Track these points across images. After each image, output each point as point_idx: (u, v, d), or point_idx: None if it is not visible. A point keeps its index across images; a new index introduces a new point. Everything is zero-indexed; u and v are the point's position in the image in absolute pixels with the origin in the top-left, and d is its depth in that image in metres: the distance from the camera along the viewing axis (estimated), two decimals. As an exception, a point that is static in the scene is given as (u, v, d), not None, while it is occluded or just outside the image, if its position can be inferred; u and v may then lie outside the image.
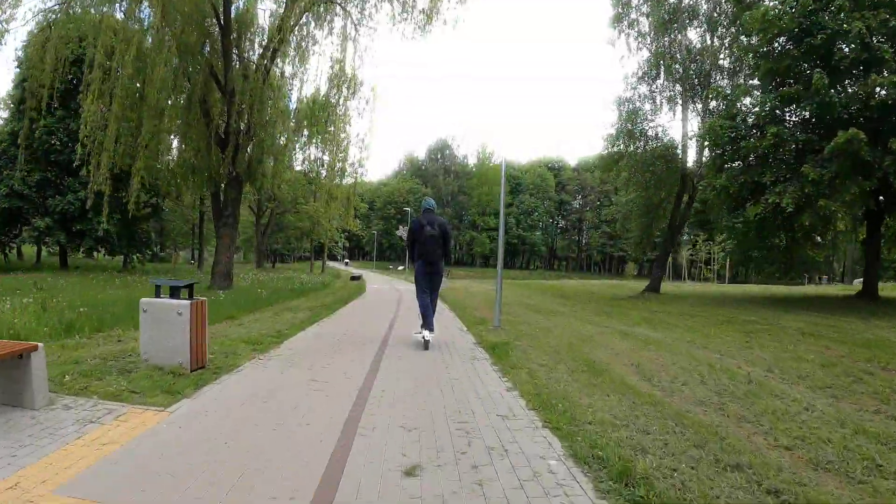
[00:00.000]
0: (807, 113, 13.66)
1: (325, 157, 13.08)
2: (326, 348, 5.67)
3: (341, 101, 12.11)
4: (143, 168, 11.42)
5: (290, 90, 13.80)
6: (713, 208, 14.61)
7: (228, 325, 7.28)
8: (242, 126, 13.21)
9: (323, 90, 12.66)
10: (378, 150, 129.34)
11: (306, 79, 12.87)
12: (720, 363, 6.26)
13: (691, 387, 5.01)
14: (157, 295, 4.58)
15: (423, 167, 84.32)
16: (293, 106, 13.53)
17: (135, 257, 27.92)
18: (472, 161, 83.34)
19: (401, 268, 53.72)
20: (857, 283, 36.72)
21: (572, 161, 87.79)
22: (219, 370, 4.50)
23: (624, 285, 28.30)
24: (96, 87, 10.60)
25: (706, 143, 14.16)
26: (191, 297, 4.60)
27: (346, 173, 13.37)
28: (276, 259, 60.88)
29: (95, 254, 29.36)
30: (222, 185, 14.24)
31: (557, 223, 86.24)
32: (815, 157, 12.42)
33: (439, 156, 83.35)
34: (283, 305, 10.46)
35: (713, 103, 18.15)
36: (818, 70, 12.76)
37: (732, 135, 13.37)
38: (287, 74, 13.66)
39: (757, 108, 13.79)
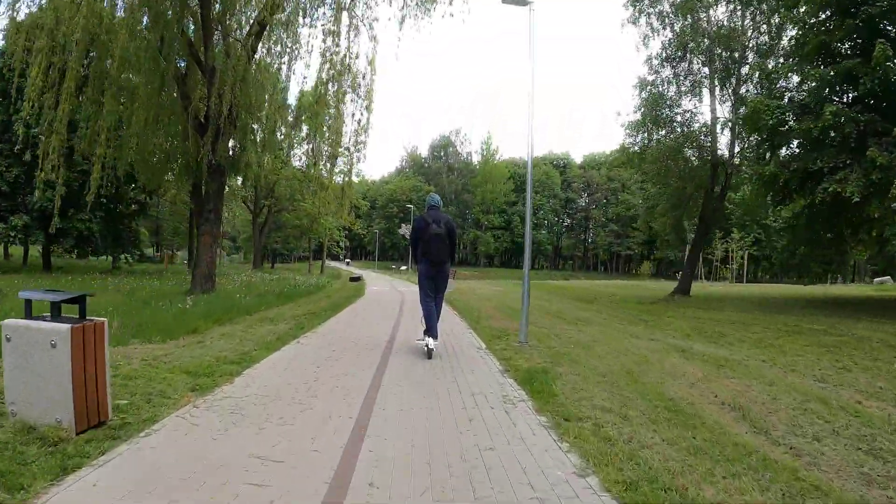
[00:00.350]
0: (856, 91, 12.02)
1: (316, 140, 11.42)
2: (297, 384, 4.08)
3: (334, 77, 10.48)
4: (104, 155, 9.88)
5: (279, 69, 12.22)
6: (756, 200, 12.94)
7: (183, 345, 5.70)
8: (225, 109, 11.64)
9: (314, 67, 11.05)
10: (380, 146, 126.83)
11: (297, 55, 11.23)
12: (831, 396, 4.67)
13: (829, 443, 3.42)
14: (29, 315, 3.00)
15: (426, 165, 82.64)
16: (285, 84, 11.91)
17: (124, 257, 26.44)
18: (475, 159, 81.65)
19: (403, 268, 52.10)
20: (880, 282, 34.83)
21: (578, 158, 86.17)
22: (123, 430, 2.92)
23: (643, 286, 26.64)
24: (43, 57, 9.05)
25: (747, 126, 12.51)
26: (82, 316, 3.03)
27: (339, 160, 11.72)
28: (276, 259, 59.35)
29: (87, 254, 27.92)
30: (204, 177, 12.71)
31: (563, 221, 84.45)
32: (878, 140, 10.81)
33: (442, 153, 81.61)
34: (264, 314, 8.88)
35: (745, 88, 16.49)
36: (880, 41, 11.12)
37: (780, 116, 11.72)
38: (275, 52, 12.08)
39: (807, 86, 12.13)
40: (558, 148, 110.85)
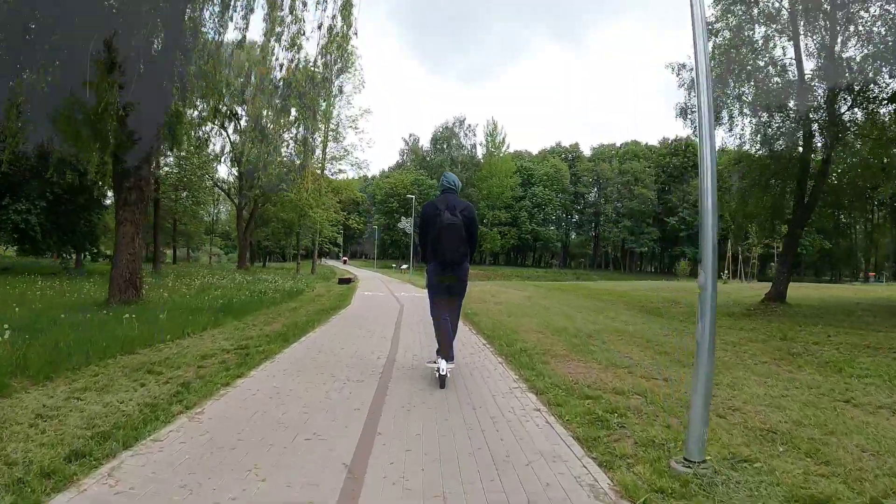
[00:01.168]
0: None
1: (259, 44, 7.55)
2: None
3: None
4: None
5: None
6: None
7: None
8: (140, 35, 7.97)
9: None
10: (379, 142, 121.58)
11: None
12: None
13: None
14: None
15: (428, 158, 78.73)
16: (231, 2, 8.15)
17: (85, 256, 22.91)
18: (480, 151, 77.68)
19: (404, 267, 47.86)
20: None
21: (587, 150, 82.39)
22: None
23: (688, 288, 22.74)
24: None
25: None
26: None
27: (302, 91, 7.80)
28: (269, 258, 55.53)
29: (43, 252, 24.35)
30: (122, 140, 9.02)
31: (572, 217, 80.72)
32: None
33: (445, 146, 77.67)
34: (160, 351, 5.14)
35: (841, 37, 12.65)
36: None
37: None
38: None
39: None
40: (567, 140, 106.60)
